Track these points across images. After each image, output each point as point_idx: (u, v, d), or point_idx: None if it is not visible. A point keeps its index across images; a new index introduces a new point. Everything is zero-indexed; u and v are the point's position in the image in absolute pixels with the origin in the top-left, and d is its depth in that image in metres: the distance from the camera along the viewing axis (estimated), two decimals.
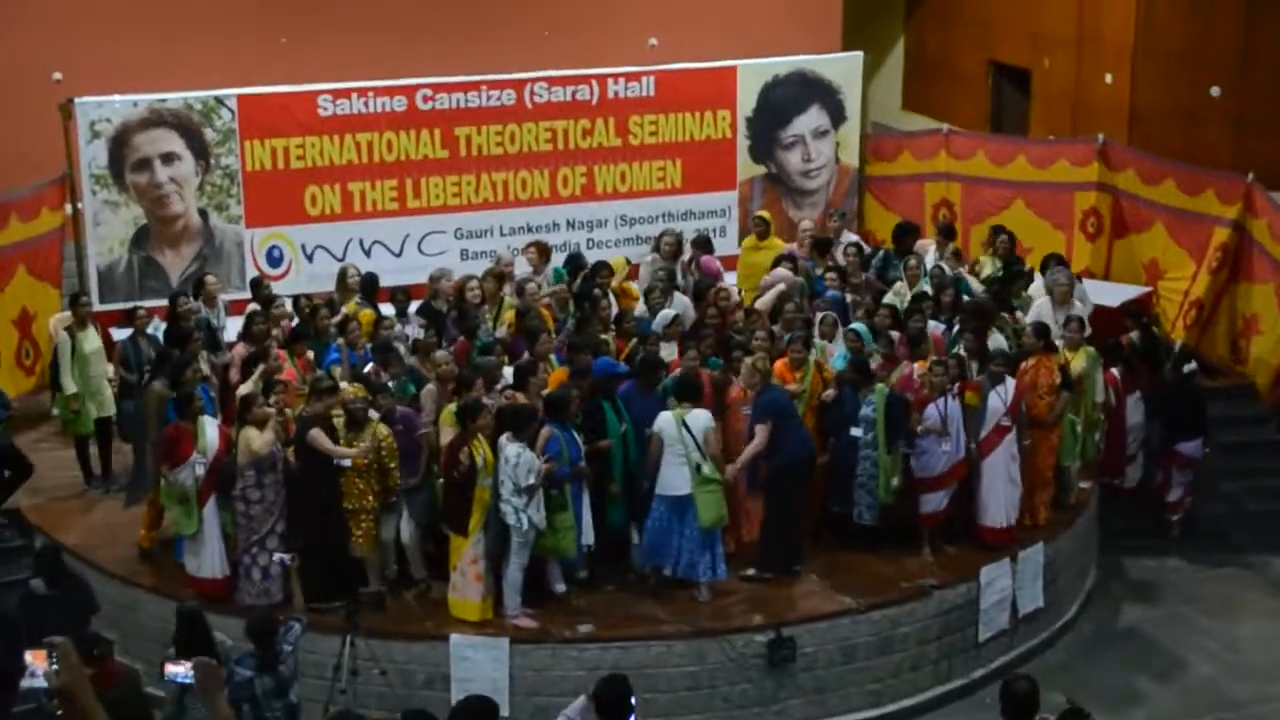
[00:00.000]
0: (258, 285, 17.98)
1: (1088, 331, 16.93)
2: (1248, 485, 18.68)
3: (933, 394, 15.01)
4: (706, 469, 13.96)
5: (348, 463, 13.81)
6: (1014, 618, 15.36)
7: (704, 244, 19.16)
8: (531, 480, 13.53)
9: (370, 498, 13.99)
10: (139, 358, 16.38)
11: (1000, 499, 15.30)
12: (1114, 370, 17.15)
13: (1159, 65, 20.81)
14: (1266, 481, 18.73)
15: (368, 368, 15.35)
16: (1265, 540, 17.99)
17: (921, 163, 21.76)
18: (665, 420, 14.08)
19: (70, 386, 16.24)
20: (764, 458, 14.63)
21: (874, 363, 15.56)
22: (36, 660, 5.62)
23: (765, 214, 19.99)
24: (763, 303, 17.44)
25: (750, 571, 14.80)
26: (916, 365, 15.53)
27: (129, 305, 17.78)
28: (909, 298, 17.28)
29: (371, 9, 21.73)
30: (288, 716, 11.74)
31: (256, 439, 13.93)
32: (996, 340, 16.10)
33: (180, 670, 6.76)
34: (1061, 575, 16.03)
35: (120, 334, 17.03)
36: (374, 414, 14.22)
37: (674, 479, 14.02)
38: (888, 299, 17.46)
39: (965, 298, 17.33)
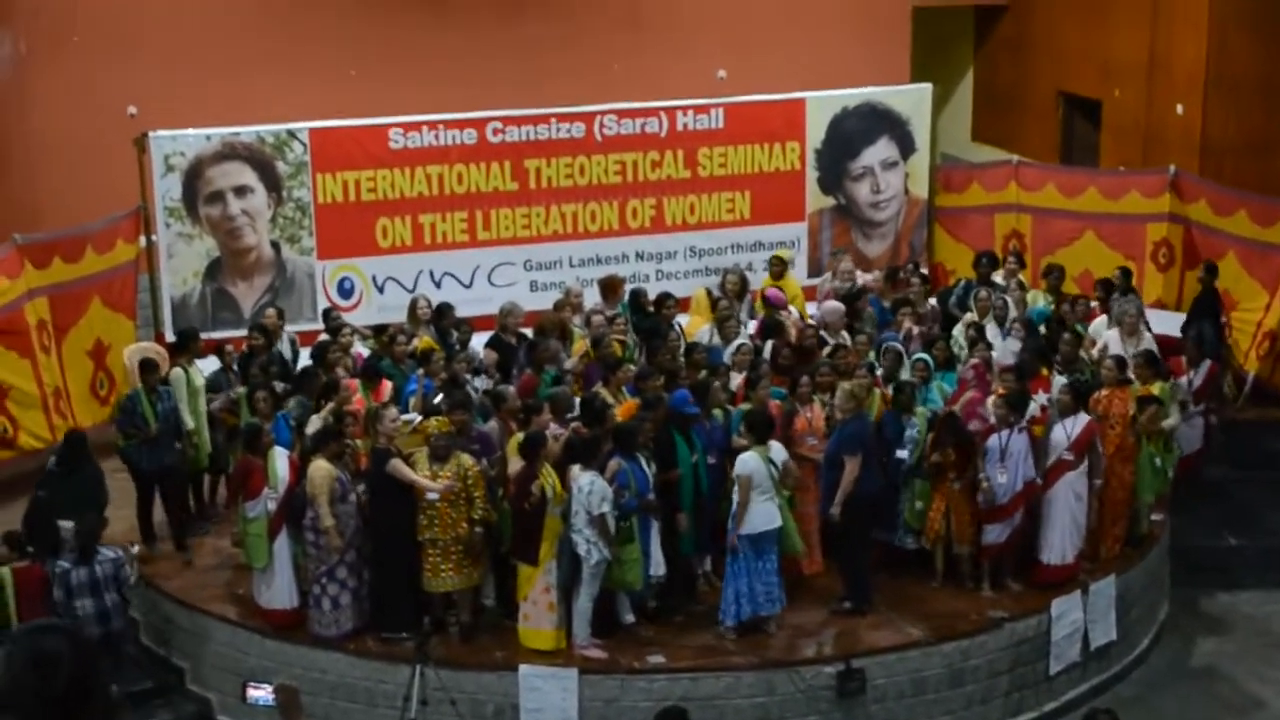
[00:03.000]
0: (327, 316, 18.16)
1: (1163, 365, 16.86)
2: None
3: (998, 426, 14.93)
4: (785, 498, 14.08)
5: (435, 495, 13.82)
6: (1085, 650, 15.23)
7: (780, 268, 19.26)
8: (604, 509, 13.54)
9: (462, 527, 13.94)
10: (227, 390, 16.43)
11: (1060, 536, 15.16)
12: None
13: (1230, 95, 20.68)
14: None
15: (437, 399, 15.39)
16: None
17: (991, 194, 21.71)
18: (752, 461, 13.99)
19: (189, 422, 16.06)
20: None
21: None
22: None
23: (784, 253, 19.98)
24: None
25: (845, 605, 14.78)
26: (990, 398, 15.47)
27: (210, 336, 17.97)
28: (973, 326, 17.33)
29: (440, 42, 21.85)
30: (97, 614, 13.81)
31: (320, 470, 14.00)
32: (1057, 384, 15.94)
33: (261, 694, 6.85)
34: (1134, 608, 15.90)
35: (208, 367, 16.97)
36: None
37: (764, 516, 13.98)
38: (957, 329, 17.48)
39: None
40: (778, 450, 14.10)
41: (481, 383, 15.97)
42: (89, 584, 14.01)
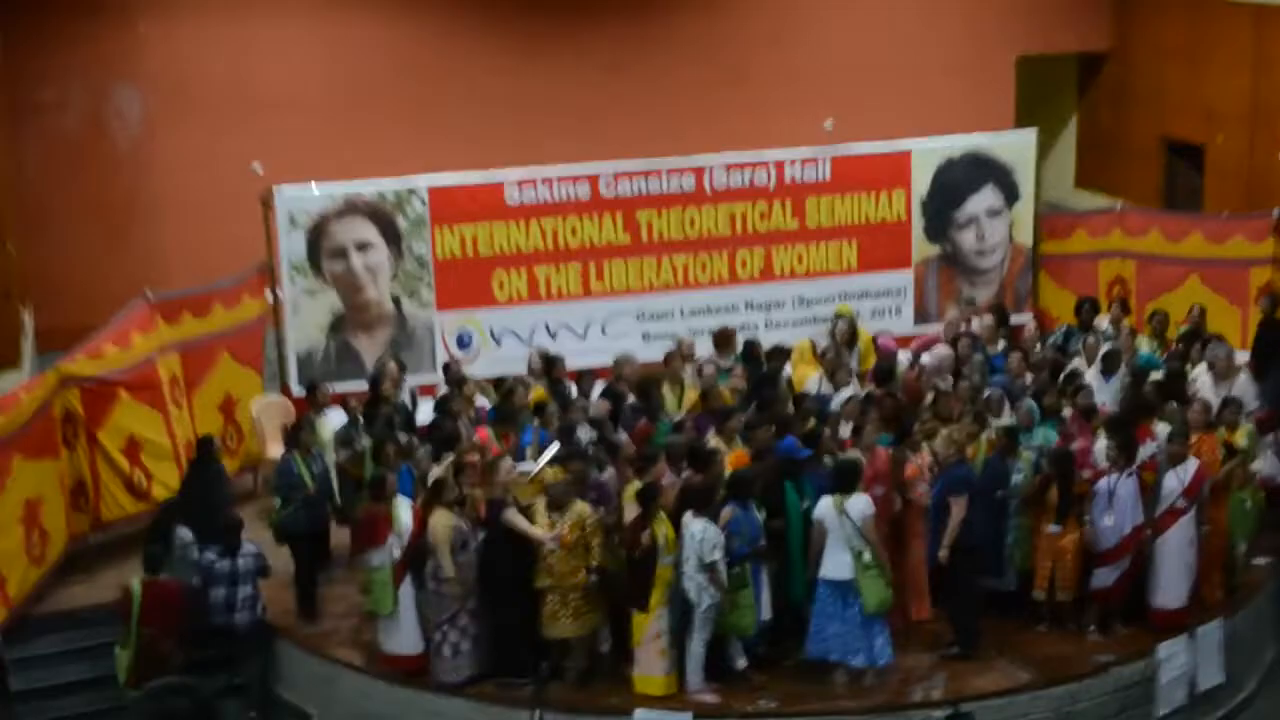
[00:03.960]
0: (448, 369, 18.53)
1: (1247, 409, 16.92)
2: None
3: (1108, 470, 15.15)
4: (867, 555, 14.17)
5: (554, 544, 14.19)
6: (1192, 694, 15.33)
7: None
8: (716, 556, 13.86)
9: (580, 575, 14.24)
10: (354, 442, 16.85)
11: (1172, 581, 15.31)
12: None
13: None
14: None
15: (553, 446, 15.73)
16: None
17: (1096, 240, 21.83)
18: (825, 507, 14.30)
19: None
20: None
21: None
22: None
23: (844, 309, 19.96)
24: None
25: (954, 650, 15.03)
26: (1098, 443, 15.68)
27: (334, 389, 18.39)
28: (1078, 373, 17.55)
29: (553, 98, 22.34)
30: (227, 603, 15.18)
31: (440, 520, 14.42)
32: (1160, 431, 16.06)
33: None
34: (1241, 651, 15.96)
35: (336, 419, 17.49)
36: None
37: (837, 563, 14.23)
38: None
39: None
40: (855, 503, 14.22)
41: (586, 433, 16.26)
42: (229, 575, 15.27)
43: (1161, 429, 16.04)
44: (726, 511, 14.20)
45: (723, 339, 19.07)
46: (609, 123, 22.47)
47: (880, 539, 14.35)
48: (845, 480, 14.38)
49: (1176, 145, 23.41)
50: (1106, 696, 14.86)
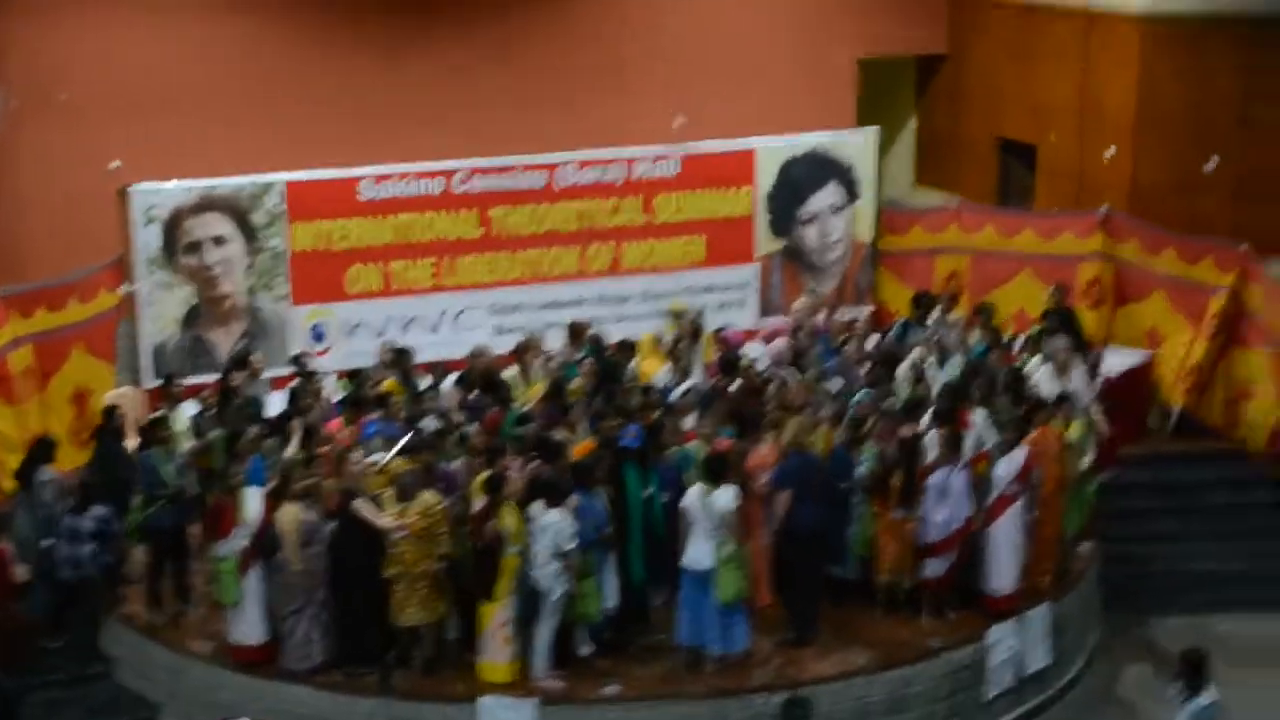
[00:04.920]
0: (298, 360, 18.60)
1: (1084, 402, 17.45)
2: (1241, 547, 19.25)
3: (939, 463, 15.58)
4: (726, 548, 14.46)
5: (403, 533, 14.37)
6: (1019, 676, 15.78)
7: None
8: (571, 545, 14.19)
9: (427, 564, 14.43)
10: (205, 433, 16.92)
11: (1004, 566, 15.74)
12: None
13: (1158, 138, 21.27)
14: (1259, 544, 19.30)
15: (404, 438, 15.88)
16: (1259, 599, 18.57)
17: (933, 236, 22.31)
18: (692, 497, 14.60)
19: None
20: (782, 525, 15.21)
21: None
22: None
23: (677, 306, 20.22)
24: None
25: (791, 636, 15.39)
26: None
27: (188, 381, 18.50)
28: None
29: (406, 96, 22.33)
30: (81, 558, 15.50)
31: (287, 514, 14.64)
32: (976, 419, 16.50)
33: None
34: (1067, 633, 16.41)
35: (191, 412, 17.52)
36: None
37: (699, 552, 14.53)
38: (901, 368, 18.13)
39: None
40: (719, 495, 14.50)
41: (433, 423, 16.49)
42: (72, 531, 15.61)
43: (978, 416, 16.47)
44: (573, 499, 14.46)
45: (575, 332, 19.32)
46: (465, 120, 22.40)
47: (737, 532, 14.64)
48: (713, 473, 14.66)
49: (1010, 144, 23.79)
50: (938, 679, 15.30)
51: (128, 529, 16.22)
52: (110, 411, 17.22)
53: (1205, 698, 12.42)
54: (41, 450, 16.67)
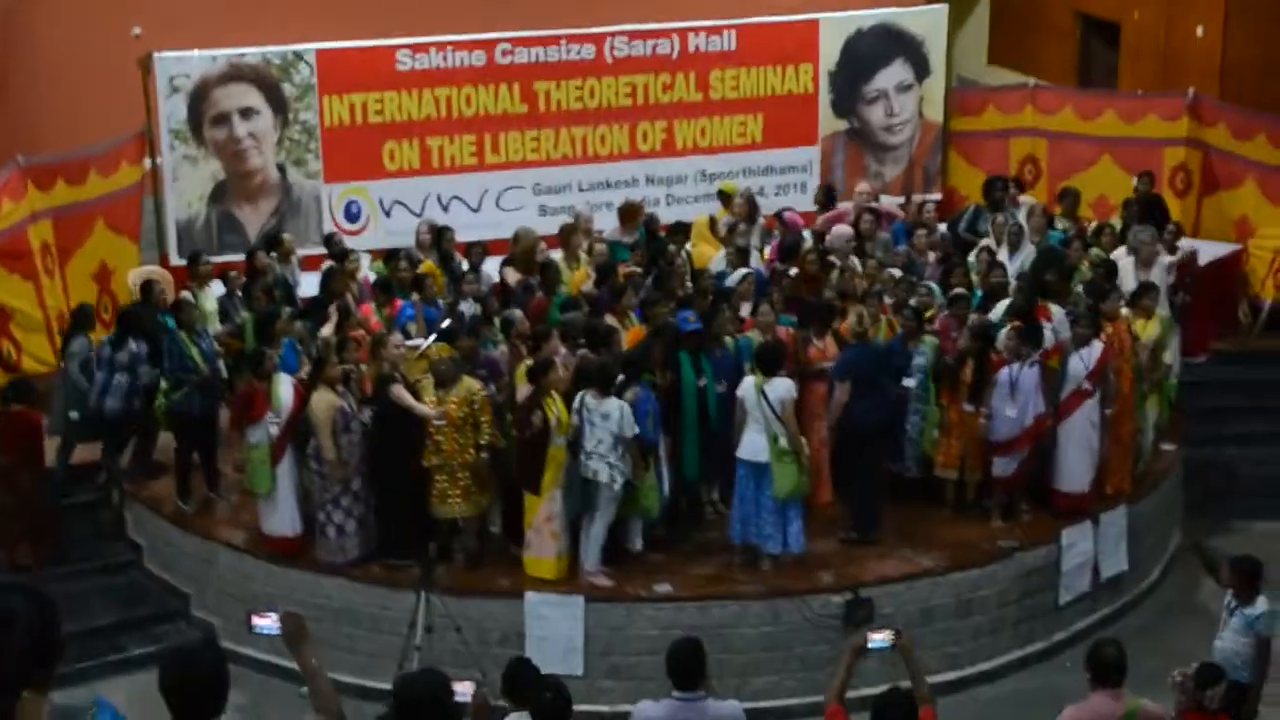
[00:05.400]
0: (330, 240, 18.07)
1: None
2: None
3: (1009, 359, 14.79)
4: (783, 441, 13.77)
5: (442, 420, 13.73)
6: (1095, 581, 15.21)
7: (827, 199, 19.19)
8: (634, 433, 13.50)
9: (469, 454, 13.86)
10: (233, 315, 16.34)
11: (1076, 465, 15.07)
12: None
13: (1251, 17, 20.56)
14: None
15: (445, 323, 15.29)
16: None
17: (1007, 118, 21.56)
18: (746, 388, 13.94)
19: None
20: (842, 418, 14.49)
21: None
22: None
23: (728, 186, 19.56)
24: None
25: (853, 534, 14.74)
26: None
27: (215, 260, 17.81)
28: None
29: None
30: (115, 388, 15.26)
31: (321, 400, 13.93)
32: (1055, 312, 15.70)
33: (266, 622, 6.79)
34: (1145, 539, 15.82)
35: (218, 292, 16.88)
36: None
37: (754, 445, 13.87)
38: (971, 256, 17.31)
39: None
40: (777, 385, 13.83)
41: (470, 307, 15.90)
42: (109, 361, 15.34)
43: (1056, 310, 15.70)
44: (631, 392, 13.78)
45: (627, 214, 18.58)
46: None
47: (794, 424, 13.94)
48: (768, 362, 13.97)
49: (1092, 21, 23.17)
50: (1009, 583, 14.68)
51: (155, 412, 15.66)
52: (149, 287, 16.49)
53: (1257, 607, 11.67)
54: (76, 319, 16.35)
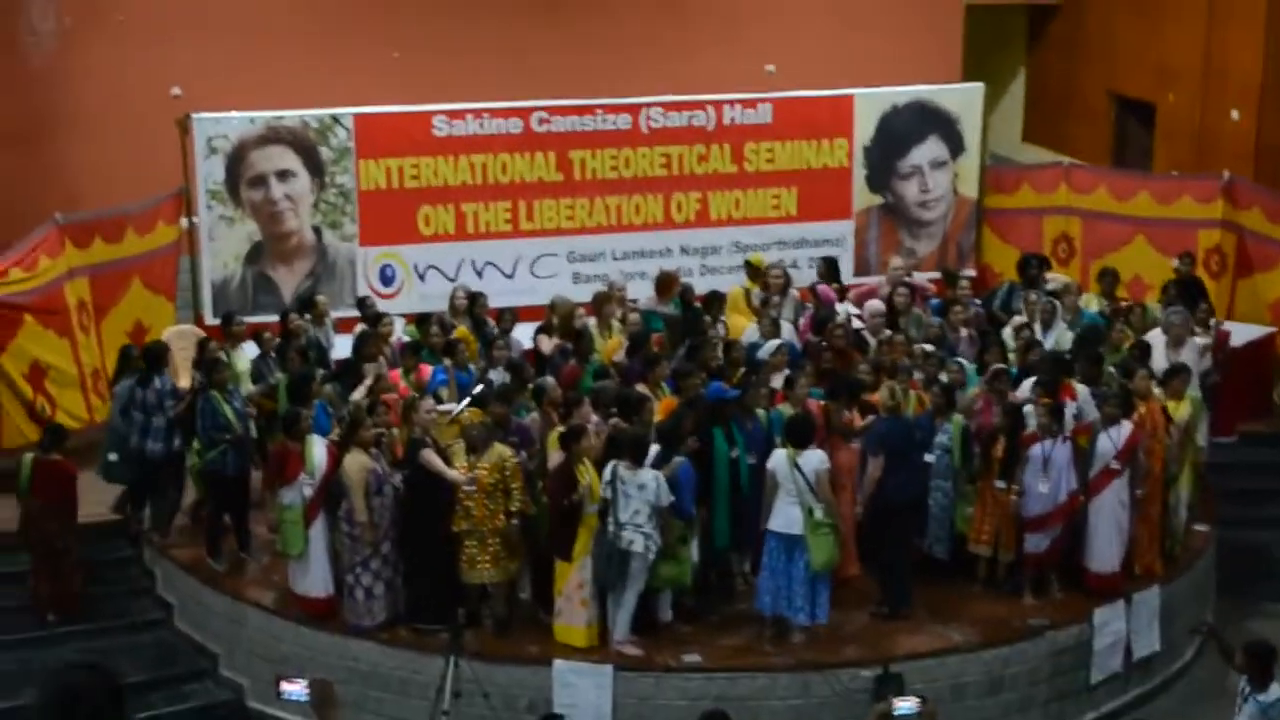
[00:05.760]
0: (364, 304, 18.11)
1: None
2: None
3: (1041, 435, 14.73)
4: (819, 512, 13.73)
5: (472, 486, 13.69)
6: (1127, 662, 15.04)
7: (829, 271, 19.13)
8: (669, 502, 13.47)
9: (499, 520, 13.81)
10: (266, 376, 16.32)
11: (1106, 544, 14.98)
12: None
13: None
14: None
15: (478, 388, 15.26)
16: None
17: (1041, 196, 21.48)
18: (778, 460, 13.89)
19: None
20: (875, 492, 14.45)
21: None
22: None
23: (756, 259, 19.51)
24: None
25: (883, 608, 14.65)
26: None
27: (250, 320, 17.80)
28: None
29: (487, 31, 21.70)
30: (156, 431, 15.48)
31: (354, 463, 13.90)
32: (1080, 390, 15.65)
33: (295, 689, 6.75)
34: (1177, 620, 15.61)
35: (251, 352, 16.87)
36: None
37: (787, 517, 13.81)
38: (1005, 333, 17.26)
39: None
40: (810, 458, 13.81)
41: (499, 374, 15.90)
42: (143, 402, 15.58)
43: (1081, 389, 15.63)
44: (676, 461, 13.77)
45: (663, 284, 18.55)
46: (544, 59, 21.80)
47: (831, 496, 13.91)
48: (799, 433, 13.95)
49: (1127, 102, 23.10)
50: (1040, 661, 14.54)
51: (189, 471, 15.72)
52: (157, 354, 16.28)
53: (1271, 693, 11.46)
54: (120, 363, 16.45)
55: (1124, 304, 18.53)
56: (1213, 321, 17.89)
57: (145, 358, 15.95)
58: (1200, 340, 17.31)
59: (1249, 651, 11.67)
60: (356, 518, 13.86)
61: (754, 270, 19.16)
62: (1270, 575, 17.68)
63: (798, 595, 13.90)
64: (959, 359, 16.40)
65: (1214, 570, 16.77)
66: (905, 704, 8.12)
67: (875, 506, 14.46)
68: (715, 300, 18.11)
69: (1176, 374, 15.99)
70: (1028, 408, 15.15)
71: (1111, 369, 16.19)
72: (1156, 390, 15.65)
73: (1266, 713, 11.34)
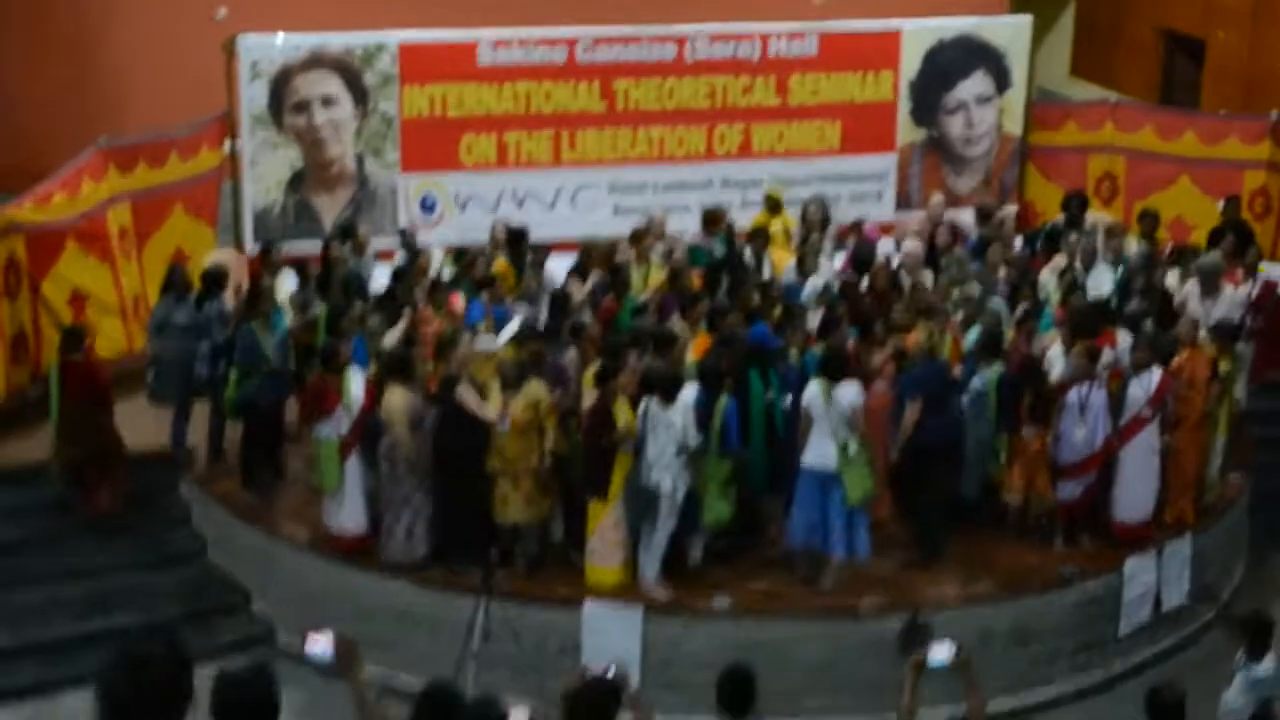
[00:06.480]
0: (404, 236, 18.11)
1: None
2: None
3: (1078, 378, 14.65)
4: (853, 446, 13.69)
5: (506, 424, 13.68)
6: (1156, 612, 15.02)
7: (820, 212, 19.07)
8: (698, 442, 13.45)
9: (533, 458, 13.79)
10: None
11: (1136, 492, 14.91)
12: None
13: None
14: None
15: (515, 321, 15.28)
16: None
17: (1086, 134, 21.26)
18: (812, 394, 13.81)
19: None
20: (911, 436, 14.35)
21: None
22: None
23: (775, 191, 19.52)
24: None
25: (918, 555, 14.64)
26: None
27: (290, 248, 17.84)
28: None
29: None
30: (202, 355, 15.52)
31: (397, 397, 13.88)
32: (1121, 338, 15.56)
33: (319, 648, 6.82)
34: (1208, 570, 15.62)
35: (290, 281, 16.85)
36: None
37: (821, 451, 13.74)
38: (1043, 275, 17.14)
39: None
40: (845, 391, 13.72)
41: (527, 310, 15.91)
42: (193, 326, 15.67)
43: (1122, 336, 15.56)
44: (723, 401, 13.72)
45: (712, 220, 18.51)
46: None
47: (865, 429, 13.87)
48: (834, 368, 13.87)
49: (1176, 38, 22.81)
50: (1069, 610, 14.55)
51: (224, 403, 15.60)
52: (216, 275, 16.31)
53: (1262, 668, 11.25)
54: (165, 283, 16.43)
55: (1165, 245, 18.39)
56: (1260, 270, 17.71)
57: (204, 280, 15.96)
58: (1243, 289, 17.16)
59: (1246, 624, 11.58)
60: (402, 452, 13.86)
61: (773, 203, 19.09)
62: None
63: (835, 529, 13.85)
64: (995, 302, 16.27)
65: (1247, 518, 16.69)
66: (939, 655, 7.93)
67: (911, 451, 14.36)
68: (760, 235, 18.03)
69: (1223, 331, 15.87)
70: (1055, 351, 15.08)
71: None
72: (1204, 338, 15.56)
73: (1255, 686, 11.15)
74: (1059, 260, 17.61)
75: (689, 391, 13.80)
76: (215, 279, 15.98)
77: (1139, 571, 14.79)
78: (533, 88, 19.77)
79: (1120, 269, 17.38)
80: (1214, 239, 18.39)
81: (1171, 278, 17.24)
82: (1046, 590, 14.46)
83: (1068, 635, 14.55)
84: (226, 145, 19.04)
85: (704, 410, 13.72)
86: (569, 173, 20.07)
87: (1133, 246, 18.18)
